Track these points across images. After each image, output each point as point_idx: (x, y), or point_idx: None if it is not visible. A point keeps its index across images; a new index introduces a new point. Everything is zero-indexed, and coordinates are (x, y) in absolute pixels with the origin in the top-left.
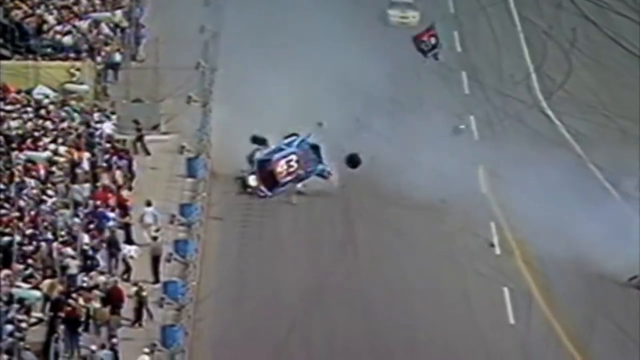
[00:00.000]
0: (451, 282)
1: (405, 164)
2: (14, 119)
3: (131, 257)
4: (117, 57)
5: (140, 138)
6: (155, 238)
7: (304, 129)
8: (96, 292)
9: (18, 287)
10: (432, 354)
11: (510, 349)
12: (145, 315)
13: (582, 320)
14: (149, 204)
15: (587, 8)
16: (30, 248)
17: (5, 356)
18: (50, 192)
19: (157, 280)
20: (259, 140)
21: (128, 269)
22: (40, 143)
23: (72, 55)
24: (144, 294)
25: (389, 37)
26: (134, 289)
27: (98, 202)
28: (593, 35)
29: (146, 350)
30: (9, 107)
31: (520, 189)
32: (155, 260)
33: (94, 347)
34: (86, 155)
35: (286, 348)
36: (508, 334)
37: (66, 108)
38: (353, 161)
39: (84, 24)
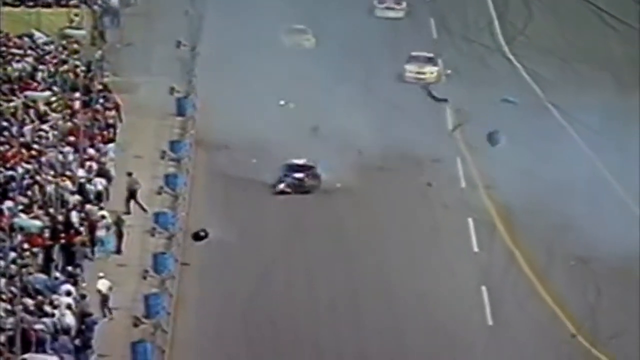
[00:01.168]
0: (420, 215)
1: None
2: (17, 61)
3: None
4: (114, 2)
5: (133, 194)
6: (130, 174)
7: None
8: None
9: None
10: (401, 277)
11: (473, 275)
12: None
13: (541, 249)
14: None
15: None
16: (30, 181)
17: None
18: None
19: (129, 212)
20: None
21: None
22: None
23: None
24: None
25: None
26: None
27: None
28: None
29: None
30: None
31: (483, 127)
32: (131, 194)
33: None
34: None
35: (269, 277)
36: (472, 261)
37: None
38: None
39: None
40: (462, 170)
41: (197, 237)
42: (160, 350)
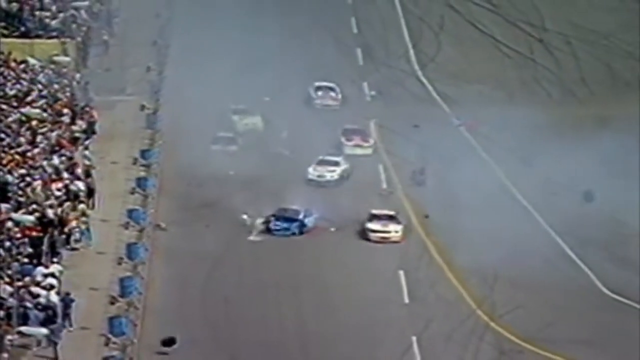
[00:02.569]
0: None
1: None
2: (13, 84)
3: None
4: (105, 35)
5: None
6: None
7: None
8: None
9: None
10: (333, 264)
11: (393, 266)
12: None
13: (450, 238)
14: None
15: None
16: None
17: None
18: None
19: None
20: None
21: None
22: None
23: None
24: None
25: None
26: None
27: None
28: (456, 20)
29: None
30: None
31: (402, 139)
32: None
33: None
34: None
35: (222, 262)
36: (391, 253)
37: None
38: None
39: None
40: (384, 174)
41: (165, 343)
42: (133, 324)
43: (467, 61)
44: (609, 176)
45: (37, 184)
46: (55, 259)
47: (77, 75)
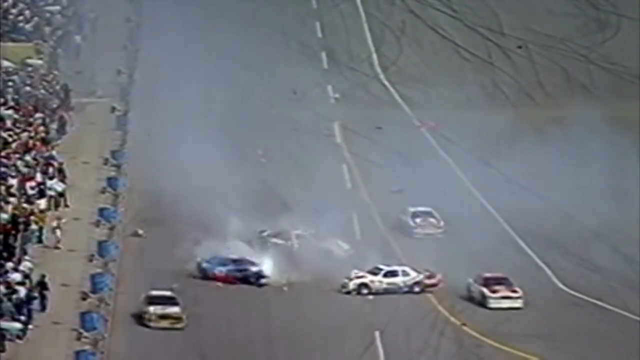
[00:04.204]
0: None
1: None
2: None
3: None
4: (77, 39)
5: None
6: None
7: None
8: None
9: None
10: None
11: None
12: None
13: (416, 238)
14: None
15: (413, 5)
16: None
17: None
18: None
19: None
20: None
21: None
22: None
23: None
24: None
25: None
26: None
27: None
28: (417, 25)
29: None
30: None
31: (365, 139)
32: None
33: None
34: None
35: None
36: (355, 249)
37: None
38: None
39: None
40: (348, 174)
41: None
42: (104, 319)
43: (427, 65)
44: (566, 176)
45: (13, 182)
46: (26, 256)
47: (52, 78)
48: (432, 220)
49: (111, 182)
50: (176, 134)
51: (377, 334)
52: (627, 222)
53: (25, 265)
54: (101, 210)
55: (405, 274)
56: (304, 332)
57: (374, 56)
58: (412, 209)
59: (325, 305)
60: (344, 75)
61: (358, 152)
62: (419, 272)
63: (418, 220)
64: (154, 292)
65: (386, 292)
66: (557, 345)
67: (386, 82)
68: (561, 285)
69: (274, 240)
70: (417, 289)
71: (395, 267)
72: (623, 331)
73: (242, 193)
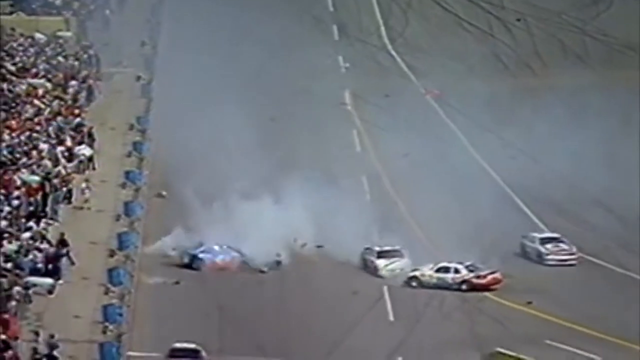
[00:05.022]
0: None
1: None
2: (20, 56)
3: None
4: (107, 13)
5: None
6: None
7: None
8: None
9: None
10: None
11: (365, 220)
12: None
13: (419, 198)
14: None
15: None
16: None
17: None
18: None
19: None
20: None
21: None
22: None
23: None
24: None
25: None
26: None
27: None
28: None
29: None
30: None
31: (374, 106)
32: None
33: None
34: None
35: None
36: (365, 209)
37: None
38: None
39: None
40: (358, 139)
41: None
42: (130, 275)
43: (432, 36)
44: (562, 141)
45: (44, 147)
46: (53, 217)
47: (82, 49)
48: (564, 246)
49: (136, 146)
50: (196, 102)
51: (385, 288)
52: (620, 185)
53: (51, 225)
54: (127, 172)
55: (456, 271)
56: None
57: (382, 28)
58: (539, 235)
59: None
60: (354, 47)
61: (367, 118)
62: (470, 271)
63: (549, 246)
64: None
65: (435, 286)
66: (553, 300)
67: (394, 53)
68: None
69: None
70: (464, 287)
71: (449, 264)
72: (617, 287)
73: (258, 156)
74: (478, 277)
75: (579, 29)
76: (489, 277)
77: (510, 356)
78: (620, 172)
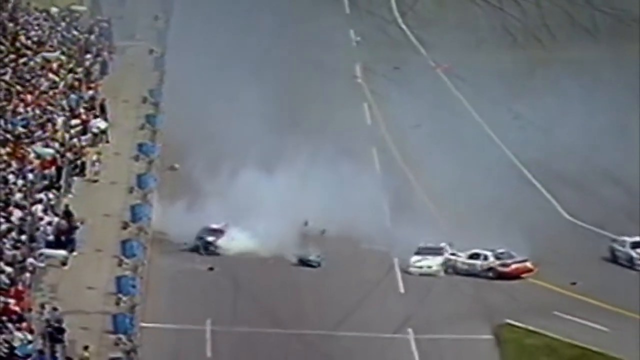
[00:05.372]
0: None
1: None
2: (35, 30)
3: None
4: None
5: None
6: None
7: None
8: None
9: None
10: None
11: (375, 191)
12: None
13: (429, 170)
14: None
15: None
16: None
17: None
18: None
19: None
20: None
21: None
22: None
23: None
24: None
25: None
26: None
27: None
28: None
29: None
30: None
31: (384, 78)
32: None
33: None
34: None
35: None
36: (374, 182)
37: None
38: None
39: None
40: (368, 111)
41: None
42: (143, 247)
43: (442, 10)
44: (570, 113)
45: (58, 120)
46: (67, 190)
47: (96, 23)
48: None
49: (149, 119)
50: (208, 74)
51: (395, 260)
52: (627, 156)
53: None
54: (140, 145)
55: (485, 258)
56: None
57: (393, 2)
58: (630, 239)
59: None
60: (364, 20)
61: (378, 91)
62: (497, 258)
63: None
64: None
65: (467, 273)
66: (560, 269)
67: (404, 26)
68: (566, 215)
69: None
70: (491, 274)
71: (480, 251)
72: None
73: (269, 128)
74: (503, 265)
75: (587, 2)
76: (513, 266)
77: (519, 327)
78: (629, 144)
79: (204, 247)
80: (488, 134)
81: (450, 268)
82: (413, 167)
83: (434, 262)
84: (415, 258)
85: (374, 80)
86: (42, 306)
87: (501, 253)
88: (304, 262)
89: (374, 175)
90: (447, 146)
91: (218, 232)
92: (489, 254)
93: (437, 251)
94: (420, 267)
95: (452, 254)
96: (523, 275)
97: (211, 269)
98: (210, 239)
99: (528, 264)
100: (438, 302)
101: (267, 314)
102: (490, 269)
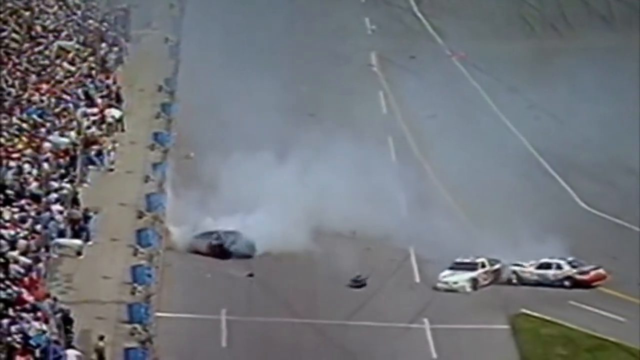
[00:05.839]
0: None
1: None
2: (52, 20)
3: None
4: None
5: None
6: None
7: None
8: None
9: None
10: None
11: (391, 180)
12: None
13: (445, 159)
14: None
15: None
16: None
17: None
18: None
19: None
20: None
21: None
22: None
23: None
24: None
25: None
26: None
27: None
28: None
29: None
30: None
31: (400, 67)
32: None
33: None
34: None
35: None
36: (390, 170)
37: None
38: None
39: None
40: (384, 100)
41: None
42: (159, 236)
43: None
44: (587, 102)
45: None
46: (83, 179)
47: (111, 11)
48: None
49: (165, 107)
50: (224, 63)
51: (411, 249)
52: None
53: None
54: (155, 134)
55: (558, 267)
56: None
57: None
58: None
59: None
60: (380, 8)
61: (393, 80)
62: (573, 267)
63: None
64: None
65: (536, 283)
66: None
67: (419, 15)
68: (582, 204)
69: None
70: (567, 283)
71: (551, 260)
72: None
73: (284, 117)
74: (581, 273)
75: None
76: (592, 273)
77: (535, 317)
78: None
79: (219, 251)
80: (504, 123)
81: (515, 279)
82: (429, 156)
83: (461, 278)
84: (445, 273)
85: (390, 69)
86: (48, 296)
87: (572, 260)
88: (356, 283)
89: (390, 164)
90: (463, 135)
91: (230, 235)
92: (561, 262)
93: (470, 266)
94: (446, 283)
95: (516, 264)
96: (597, 283)
97: (251, 275)
98: (224, 243)
99: (602, 271)
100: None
101: (282, 303)
102: (567, 277)
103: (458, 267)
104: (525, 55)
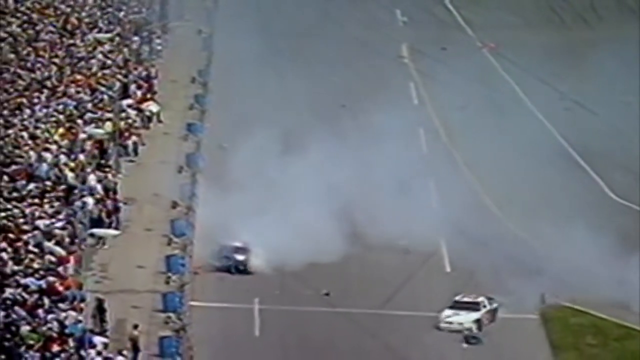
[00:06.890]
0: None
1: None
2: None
3: None
4: None
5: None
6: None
7: None
8: None
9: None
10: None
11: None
12: None
13: (475, 150)
14: None
15: None
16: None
17: None
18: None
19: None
20: None
21: None
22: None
23: None
24: None
25: None
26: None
27: None
28: None
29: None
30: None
31: (431, 59)
32: None
33: None
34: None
35: None
36: (420, 161)
37: None
38: None
39: None
40: (415, 91)
41: None
42: (192, 226)
43: None
44: (617, 93)
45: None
46: (117, 170)
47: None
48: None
49: (198, 99)
50: (255, 54)
51: (442, 241)
52: None
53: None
54: (189, 125)
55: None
56: None
57: None
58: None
59: None
60: (411, 0)
61: (424, 71)
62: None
63: None
64: None
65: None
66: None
67: (450, 6)
68: (612, 195)
69: None
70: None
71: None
72: None
73: (316, 107)
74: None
75: None
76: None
77: (565, 307)
78: None
79: (235, 267)
80: (534, 114)
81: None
82: (459, 147)
83: (466, 319)
84: (447, 312)
85: (420, 60)
86: (82, 286)
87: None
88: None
89: (421, 155)
90: (493, 126)
91: (244, 250)
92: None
93: (473, 306)
94: (451, 323)
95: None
96: None
97: (327, 294)
98: (240, 258)
99: None
100: (482, 280)
101: (314, 293)
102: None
103: (460, 306)
104: (555, 46)
